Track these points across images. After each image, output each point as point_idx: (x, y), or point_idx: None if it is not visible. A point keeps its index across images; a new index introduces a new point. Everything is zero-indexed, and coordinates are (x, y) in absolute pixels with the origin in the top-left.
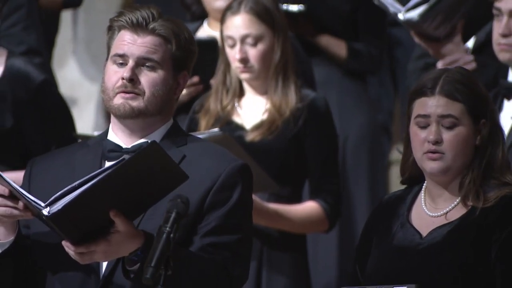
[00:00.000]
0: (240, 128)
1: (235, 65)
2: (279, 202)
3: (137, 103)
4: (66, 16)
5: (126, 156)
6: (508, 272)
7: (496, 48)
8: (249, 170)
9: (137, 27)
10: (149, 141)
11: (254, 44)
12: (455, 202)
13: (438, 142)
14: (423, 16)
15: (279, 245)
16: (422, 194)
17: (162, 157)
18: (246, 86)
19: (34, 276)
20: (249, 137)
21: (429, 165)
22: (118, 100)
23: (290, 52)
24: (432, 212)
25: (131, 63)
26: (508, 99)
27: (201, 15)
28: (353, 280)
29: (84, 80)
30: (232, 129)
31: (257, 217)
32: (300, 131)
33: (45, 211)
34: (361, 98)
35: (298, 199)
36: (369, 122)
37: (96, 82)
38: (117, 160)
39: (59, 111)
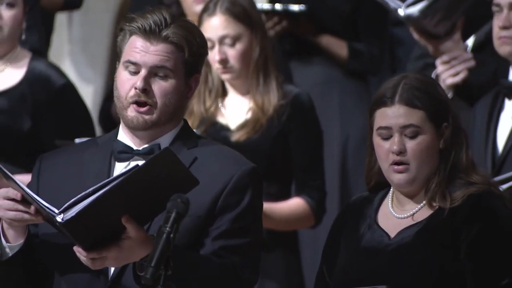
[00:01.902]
0: (225, 128)
1: (215, 66)
2: (268, 200)
3: (149, 116)
4: (61, 16)
5: (138, 163)
6: (478, 270)
7: (496, 43)
8: (260, 174)
9: (150, 34)
10: (160, 144)
11: (233, 45)
12: (422, 204)
13: (402, 152)
14: (423, 12)
15: (269, 245)
16: (389, 196)
17: (174, 163)
18: (228, 86)
19: (44, 277)
20: (235, 137)
21: (396, 177)
22: (131, 113)
23: (270, 49)
24: (399, 213)
25: (143, 72)
26: (509, 98)
27: (181, 16)
28: (319, 281)
29: (80, 81)
30: (217, 130)
31: None
32: (285, 127)
33: (58, 218)
34: (362, 98)
35: (286, 197)
36: None
37: (92, 84)
38: (131, 167)
39: (78, 115)
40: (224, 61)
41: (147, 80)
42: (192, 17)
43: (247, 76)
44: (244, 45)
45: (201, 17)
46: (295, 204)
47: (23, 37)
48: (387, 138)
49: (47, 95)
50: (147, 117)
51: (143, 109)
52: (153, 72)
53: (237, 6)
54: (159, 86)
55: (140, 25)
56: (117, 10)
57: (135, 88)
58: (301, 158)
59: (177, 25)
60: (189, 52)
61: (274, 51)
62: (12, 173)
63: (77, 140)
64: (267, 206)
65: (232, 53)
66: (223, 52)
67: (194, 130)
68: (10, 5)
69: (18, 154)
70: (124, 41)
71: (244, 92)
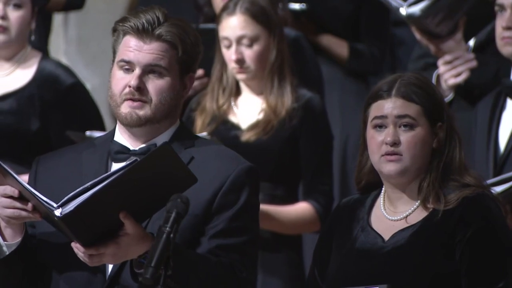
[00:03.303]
0: (236, 127)
1: (231, 65)
2: (274, 202)
3: (144, 112)
4: (58, 16)
5: (137, 158)
6: (472, 272)
7: (499, 43)
8: (257, 173)
9: (143, 33)
10: (156, 144)
11: (250, 45)
12: (415, 206)
13: (396, 143)
14: (425, 11)
15: (272, 246)
16: (381, 198)
17: (173, 159)
18: (242, 86)
19: (42, 276)
20: (245, 137)
21: (386, 167)
22: (125, 109)
23: (286, 51)
24: (392, 216)
25: (137, 70)
26: (511, 98)
27: (213, 16)
28: (311, 283)
29: None
30: (228, 129)
31: None
32: (295, 131)
33: (57, 212)
34: (362, 98)
35: (293, 199)
36: None
37: (89, 83)
38: (129, 162)
39: (86, 115)
40: (240, 61)
41: (141, 78)
42: None
43: (262, 77)
44: (261, 47)
45: (220, 16)
46: (301, 208)
47: (32, 37)
48: (381, 127)
49: (55, 95)
50: (141, 112)
51: (136, 104)
52: (147, 70)
53: (257, 7)
54: (153, 84)
55: (133, 24)
56: (126, 8)
57: (129, 86)
58: (310, 163)
59: (170, 23)
60: (183, 50)
61: (301, 50)
62: (20, 174)
63: (88, 133)
64: (274, 209)
65: (249, 53)
66: (240, 52)
67: (205, 128)
68: (17, 6)
69: (27, 154)
70: (118, 41)
71: (258, 92)
